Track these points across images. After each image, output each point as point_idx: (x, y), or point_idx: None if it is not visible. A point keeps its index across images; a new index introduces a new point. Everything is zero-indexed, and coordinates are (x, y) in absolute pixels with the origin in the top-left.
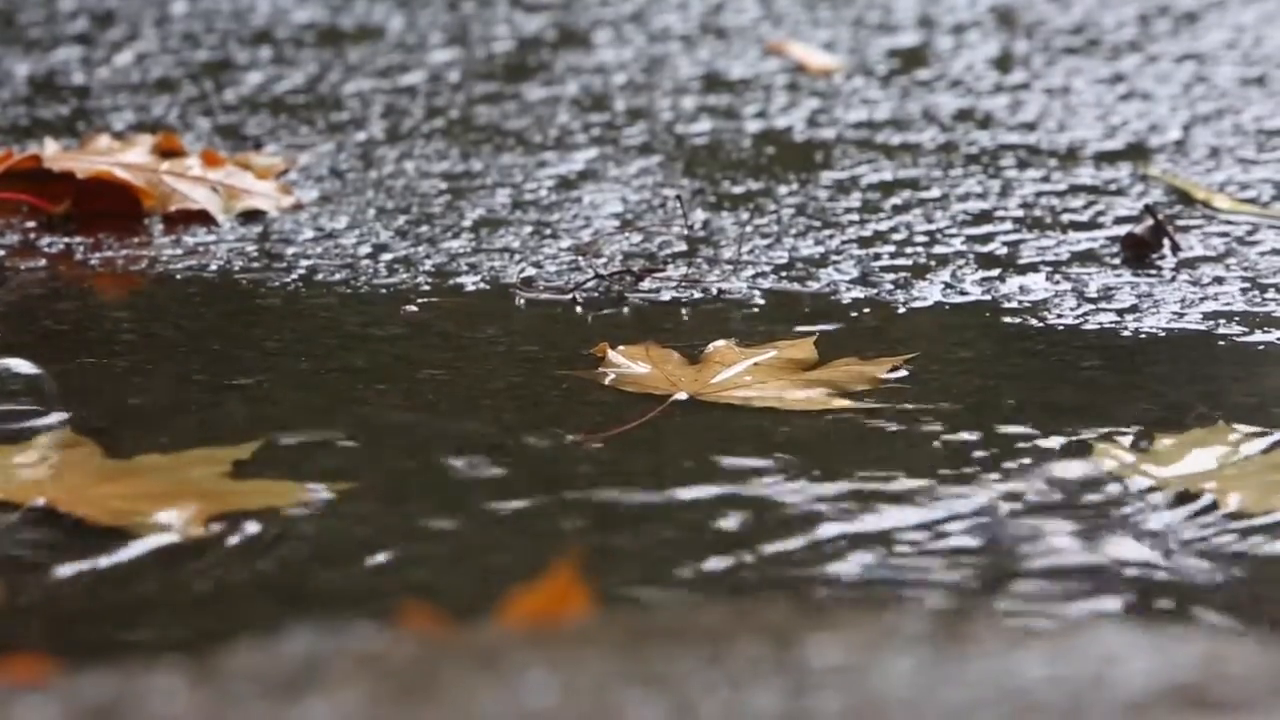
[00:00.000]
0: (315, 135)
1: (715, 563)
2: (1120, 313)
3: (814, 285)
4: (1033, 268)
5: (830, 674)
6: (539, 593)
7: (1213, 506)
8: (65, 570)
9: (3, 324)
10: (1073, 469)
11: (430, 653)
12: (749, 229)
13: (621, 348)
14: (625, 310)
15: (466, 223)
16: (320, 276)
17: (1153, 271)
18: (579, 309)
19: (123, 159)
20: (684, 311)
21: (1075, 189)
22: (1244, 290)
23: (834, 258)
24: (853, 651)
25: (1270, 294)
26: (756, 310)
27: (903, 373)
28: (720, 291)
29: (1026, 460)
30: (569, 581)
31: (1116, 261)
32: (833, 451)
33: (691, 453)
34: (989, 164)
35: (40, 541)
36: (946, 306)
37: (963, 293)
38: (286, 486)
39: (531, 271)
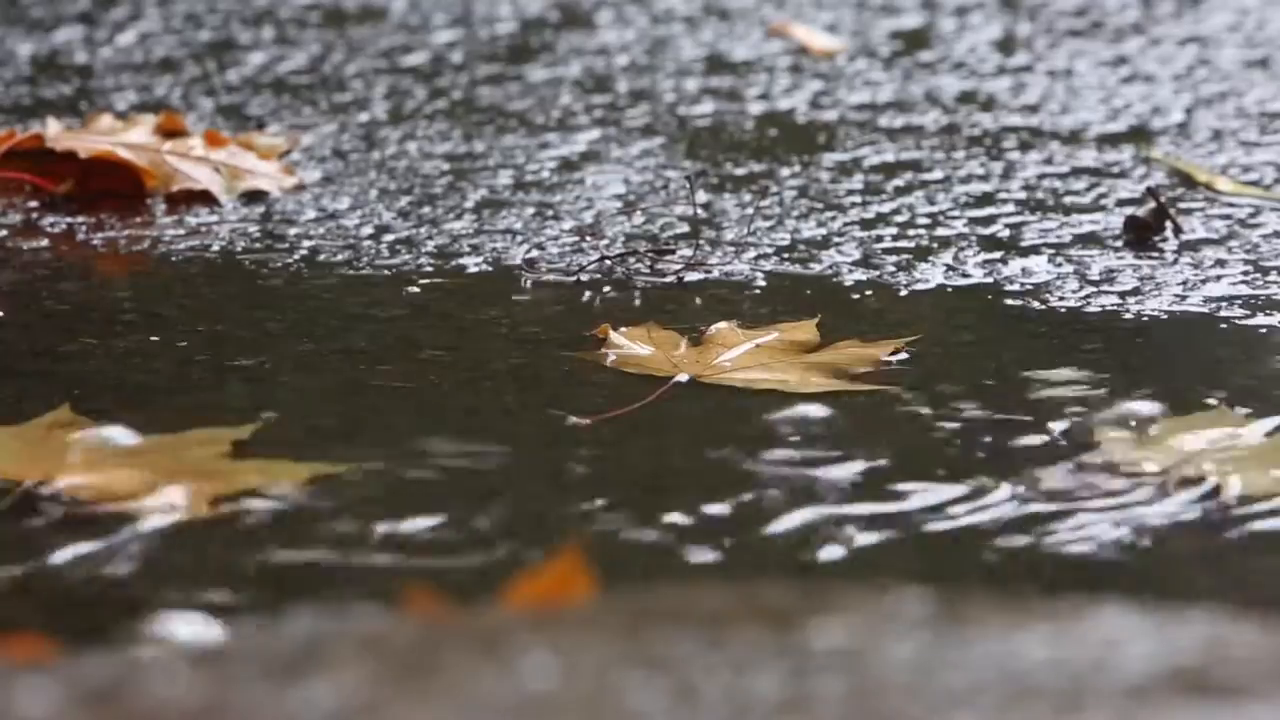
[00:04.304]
0: (318, 116)
1: (717, 545)
2: (1122, 295)
3: (816, 267)
4: (1035, 250)
5: (831, 657)
6: (542, 577)
7: (1215, 490)
8: (65, 550)
9: (5, 304)
10: (1073, 453)
11: (432, 635)
12: (752, 210)
13: (623, 329)
14: (628, 292)
15: (469, 204)
16: (322, 257)
17: (1155, 254)
18: (584, 291)
19: (125, 139)
20: (686, 293)
21: (1078, 171)
22: (1246, 273)
23: (836, 240)
24: (854, 634)
25: (1272, 277)
26: (758, 292)
27: (904, 355)
28: (723, 273)
29: (1028, 442)
30: (572, 565)
31: (1119, 244)
32: (834, 433)
33: (693, 434)
34: (991, 146)
35: (40, 521)
36: (948, 289)
37: (965, 275)
38: (287, 467)
39: (535, 253)
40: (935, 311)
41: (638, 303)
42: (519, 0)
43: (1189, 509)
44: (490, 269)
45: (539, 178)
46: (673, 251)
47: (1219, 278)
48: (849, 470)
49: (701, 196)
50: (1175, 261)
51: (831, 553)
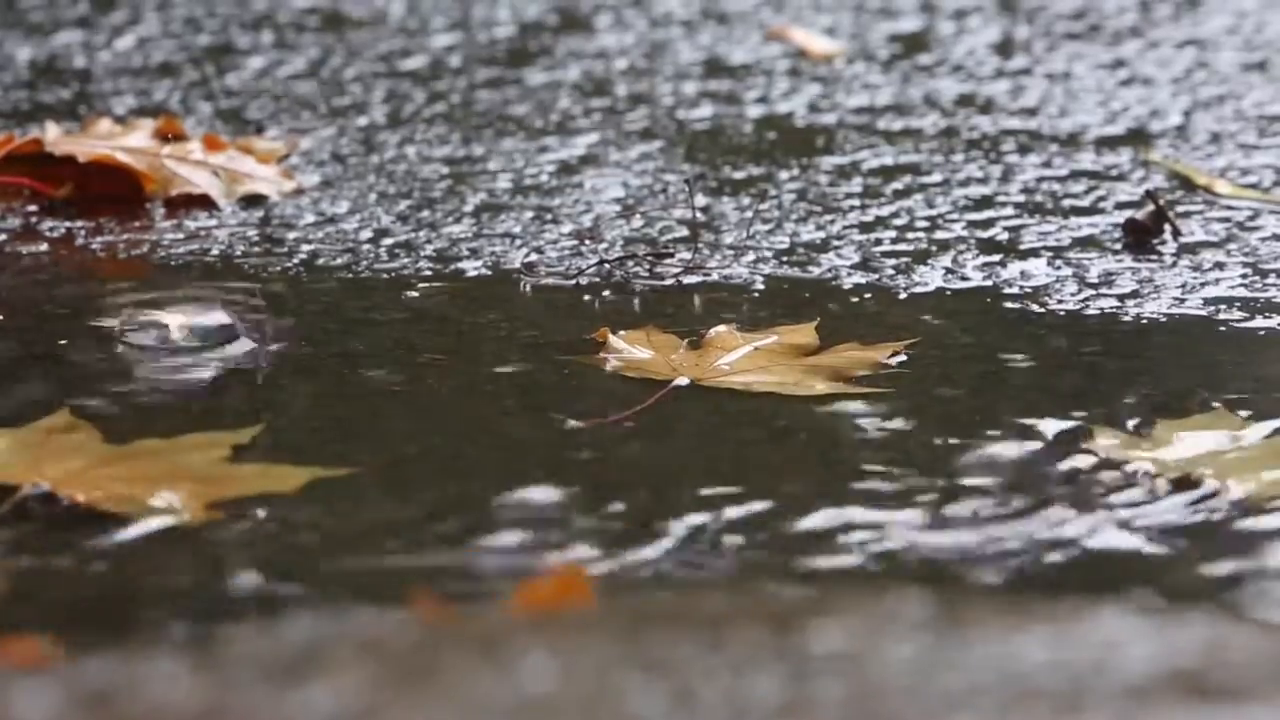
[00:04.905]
0: (317, 120)
1: (717, 547)
2: (1121, 298)
3: (815, 270)
4: (1034, 253)
5: (831, 660)
6: (543, 582)
7: (1213, 493)
8: (64, 554)
9: (4, 307)
10: (1072, 455)
11: (431, 638)
12: (751, 214)
13: (623, 333)
14: (627, 295)
15: (468, 208)
16: (321, 261)
17: (1154, 257)
18: (583, 295)
19: (124, 143)
20: (685, 296)
21: (1076, 174)
22: (1245, 276)
23: (835, 243)
24: (853, 637)
25: (1271, 279)
26: (758, 295)
27: (904, 358)
28: (722, 277)
29: (1027, 445)
30: (572, 570)
31: (1117, 247)
32: (833, 436)
33: (692, 438)
34: (990, 149)
35: (39, 525)
36: (948, 292)
37: (964, 278)
38: (286, 471)
39: (534, 257)
40: (934, 314)
41: (637, 306)
42: (517, 4)
43: (1188, 511)
44: (489, 273)
45: (538, 181)
46: (672, 255)
47: (1218, 280)
48: (847, 472)
49: (700, 200)
50: (1174, 264)
51: (831, 555)
